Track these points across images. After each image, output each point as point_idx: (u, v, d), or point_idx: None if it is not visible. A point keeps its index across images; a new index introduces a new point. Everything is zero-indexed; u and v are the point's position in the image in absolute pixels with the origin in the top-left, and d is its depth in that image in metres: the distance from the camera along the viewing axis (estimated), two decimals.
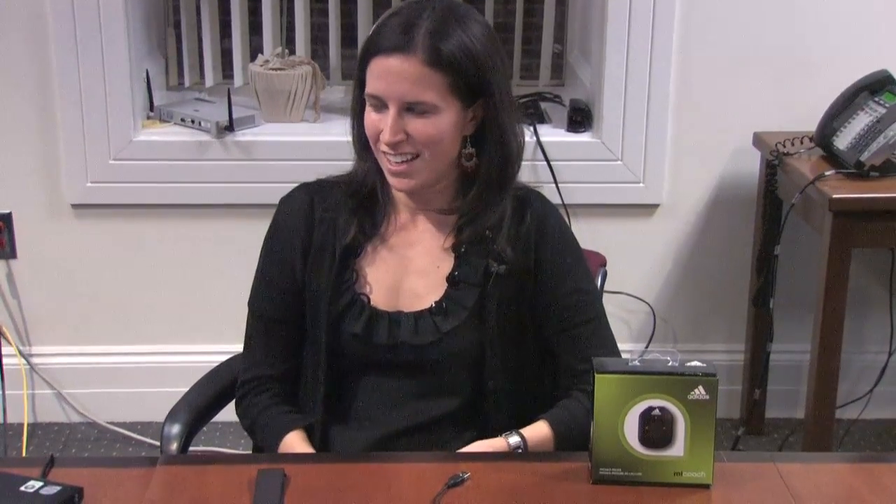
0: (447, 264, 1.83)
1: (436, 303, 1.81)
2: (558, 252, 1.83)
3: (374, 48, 1.72)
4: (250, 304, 1.91)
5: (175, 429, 1.89)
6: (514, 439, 1.73)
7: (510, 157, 1.80)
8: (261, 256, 1.90)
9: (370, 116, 1.75)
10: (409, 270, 1.84)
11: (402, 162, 1.74)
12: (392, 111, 1.71)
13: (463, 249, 1.82)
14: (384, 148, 1.74)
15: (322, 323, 1.82)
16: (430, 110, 1.72)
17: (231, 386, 1.94)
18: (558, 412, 1.79)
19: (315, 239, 1.84)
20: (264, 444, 1.88)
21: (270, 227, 1.89)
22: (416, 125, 1.72)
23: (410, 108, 1.72)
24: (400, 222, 1.85)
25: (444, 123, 1.73)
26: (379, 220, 1.84)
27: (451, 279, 1.82)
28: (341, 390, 1.85)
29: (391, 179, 1.78)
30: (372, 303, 1.82)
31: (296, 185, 1.90)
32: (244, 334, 1.91)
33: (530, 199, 1.85)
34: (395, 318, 1.81)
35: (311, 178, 1.90)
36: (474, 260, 1.81)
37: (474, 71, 1.72)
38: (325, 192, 1.86)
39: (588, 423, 1.68)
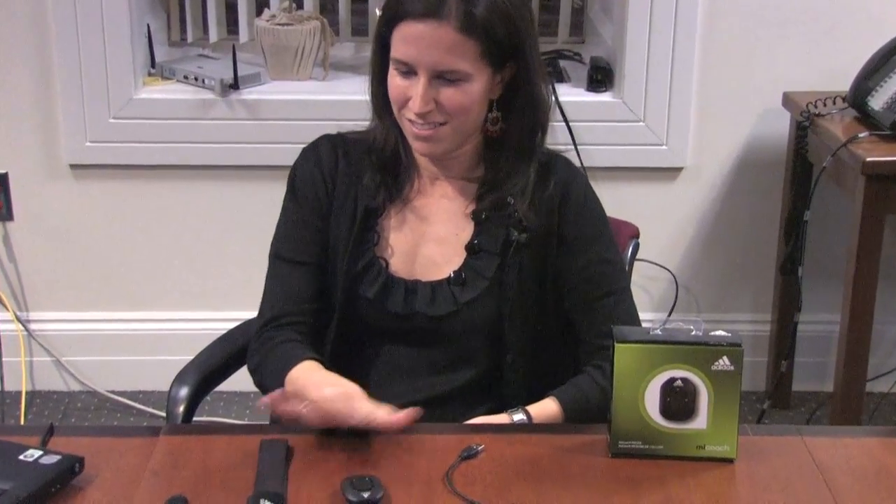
0: (467, 232, 1.80)
1: (454, 272, 1.79)
2: (581, 221, 1.80)
3: (402, 11, 1.68)
4: (272, 249, 1.84)
5: (183, 391, 1.87)
6: (518, 416, 1.69)
7: (540, 122, 1.79)
8: (283, 205, 1.85)
9: (395, 81, 1.71)
10: (428, 237, 1.81)
11: (429, 128, 1.71)
12: (422, 79, 1.68)
13: (484, 216, 1.79)
14: (411, 115, 1.71)
15: (338, 282, 1.79)
16: (462, 78, 1.69)
17: (243, 351, 1.88)
18: (569, 389, 1.76)
19: (338, 191, 1.81)
20: (269, 380, 1.73)
21: (291, 175, 1.84)
22: (447, 94, 1.69)
23: (441, 76, 1.69)
24: (421, 185, 1.83)
25: (475, 91, 1.71)
26: (402, 181, 1.82)
27: (471, 248, 1.79)
28: (354, 359, 1.81)
29: (415, 143, 1.76)
30: (390, 268, 1.79)
31: (304, 143, 1.86)
32: (262, 290, 1.83)
33: (555, 164, 1.82)
34: (412, 286, 1.79)
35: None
36: (495, 228, 1.79)
37: (507, 34, 1.70)
38: (348, 145, 1.84)
39: (599, 402, 1.68)
